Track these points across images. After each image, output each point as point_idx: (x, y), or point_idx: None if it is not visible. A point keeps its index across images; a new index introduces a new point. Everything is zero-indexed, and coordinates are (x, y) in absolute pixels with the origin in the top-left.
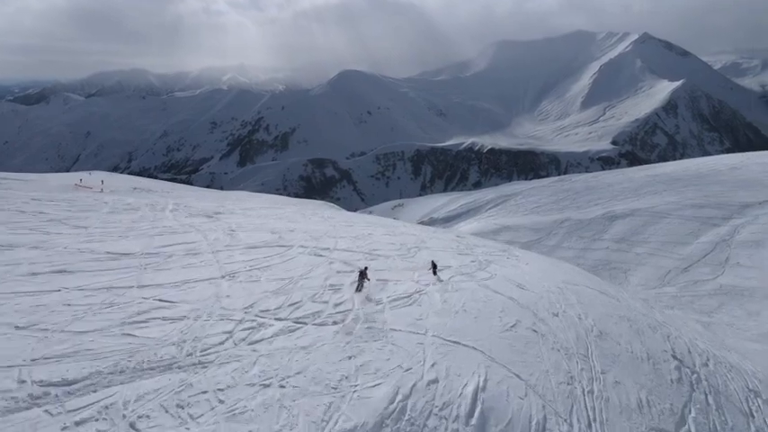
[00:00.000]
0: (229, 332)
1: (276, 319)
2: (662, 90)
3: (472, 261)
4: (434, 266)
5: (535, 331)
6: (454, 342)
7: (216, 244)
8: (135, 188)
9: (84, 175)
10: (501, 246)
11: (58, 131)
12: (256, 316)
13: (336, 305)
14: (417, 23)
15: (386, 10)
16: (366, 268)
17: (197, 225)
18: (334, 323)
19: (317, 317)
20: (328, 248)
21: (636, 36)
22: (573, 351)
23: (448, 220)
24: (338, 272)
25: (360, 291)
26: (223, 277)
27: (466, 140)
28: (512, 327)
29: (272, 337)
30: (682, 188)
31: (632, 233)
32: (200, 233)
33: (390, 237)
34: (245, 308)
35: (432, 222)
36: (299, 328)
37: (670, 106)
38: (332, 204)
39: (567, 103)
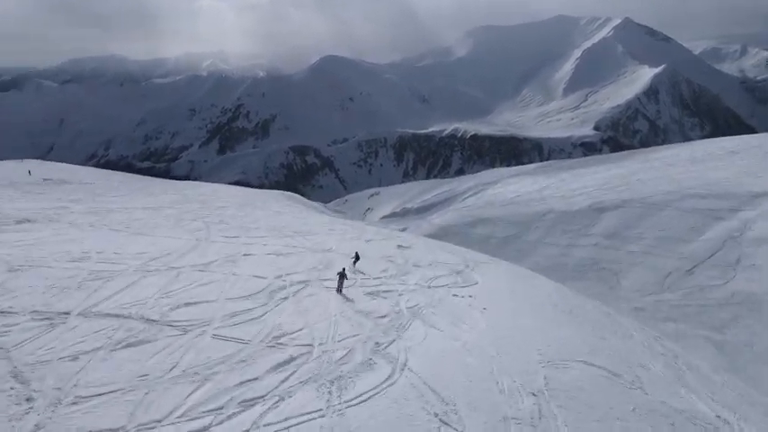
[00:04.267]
0: None
1: None
2: (643, 75)
3: (382, 317)
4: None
5: None
6: None
7: None
8: (46, 179)
9: (12, 163)
10: (458, 260)
11: (31, 120)
12: None
13: None
14: (398, 8)
15: None
16: (344, 269)
17: None
18: None
19: None
20: (67, 314)
21: (617, 21)
22: None
23: (421, 211)
24: None
25: (340, 292)
26: None
27: (448, 127)
28: None
29: None
30: (677, 176)
31: (624, 227)
32: None
33: (283, 260)
34: None
35: (405, 213)
36: None
37: (651, 92)
38: (292, 194)
39: (549, 89)
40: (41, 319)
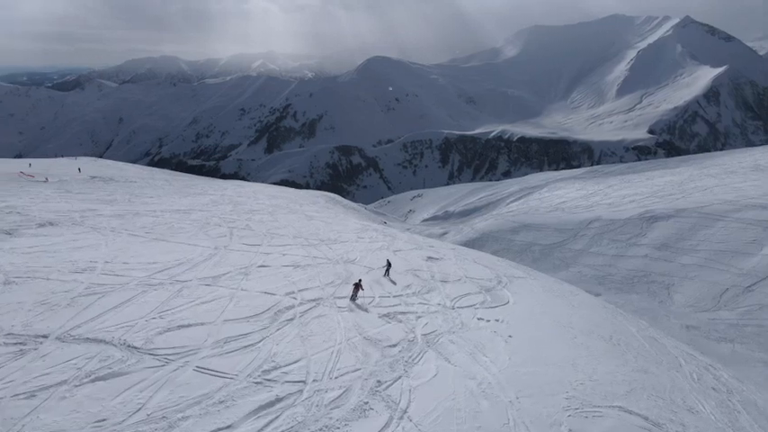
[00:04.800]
0: None
1: None
2: (703, 76)
3: (391, 347)
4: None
5: None
6: None
7: None
8: (93, 177)
9: (66, 161)
10: (491, 275)
11: (92, 118)
12: None
13: None
14: (447, 9)
15: None
16: (360, 281)
17: None
18: None
19: None
20: (43, 338)
21: (677, 20)
22: None
23: (464, 215)
24: None
25: (353, 300)
26: None
27: (496, 128)
28: None
29: None
30: (738, 184)
31: (677, 238)
32: None
33: (300, 272)
34: None
35: (447, 216)
36: None
37: (712, 93)
38: (333, 195)
39: (601, 91)
40: (13, 344)
